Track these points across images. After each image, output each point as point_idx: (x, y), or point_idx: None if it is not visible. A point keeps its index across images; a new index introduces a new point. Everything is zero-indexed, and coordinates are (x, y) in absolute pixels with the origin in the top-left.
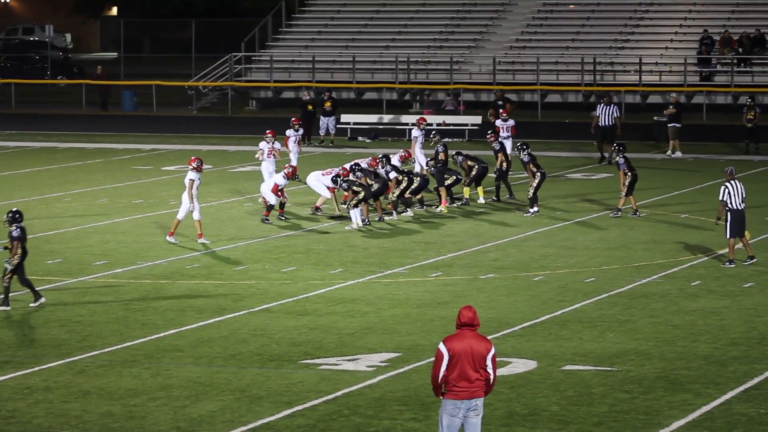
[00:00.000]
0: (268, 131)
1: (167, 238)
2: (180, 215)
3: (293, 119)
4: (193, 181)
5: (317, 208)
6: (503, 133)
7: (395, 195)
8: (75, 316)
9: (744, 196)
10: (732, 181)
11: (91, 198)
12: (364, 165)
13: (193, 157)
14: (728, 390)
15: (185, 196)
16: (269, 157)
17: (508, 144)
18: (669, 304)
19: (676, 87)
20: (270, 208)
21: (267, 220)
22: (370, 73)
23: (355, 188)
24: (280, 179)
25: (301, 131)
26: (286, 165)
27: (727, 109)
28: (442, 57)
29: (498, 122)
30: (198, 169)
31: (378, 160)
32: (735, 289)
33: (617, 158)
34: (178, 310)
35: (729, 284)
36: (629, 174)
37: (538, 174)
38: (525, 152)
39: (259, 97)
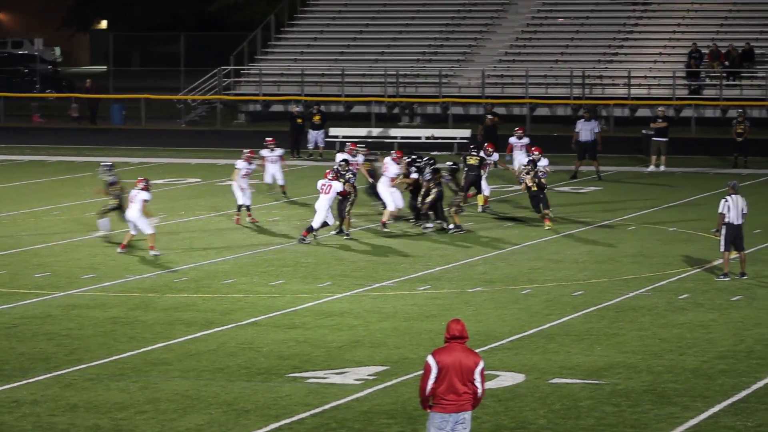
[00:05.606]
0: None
1: (151, 253)
2: (149, 230)
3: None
4: (146, 201)
5: (384, 224)
6: (516, 151)
7: (426, 205)
8: (63, 329)
9: (744, 211)
10: (733, 195)
11: (79, 211)
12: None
13: (140, 177)
14: (716, 403)
15: (136, 214)
16: (245, 177)
17: (523, 161)
18: (657, 318)
19: (665, 100)
20: (310, 230)
21: (304, 240)
22: (359, 86)
23: (453, 186)
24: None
25: (278, 150)
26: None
27: (716, 123)
28: (431, 70)
29: (512, 139)
30: (146, 189)
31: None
32: (723, 303)
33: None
34: (166, 324)
35: (717, 297)
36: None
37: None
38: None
39: (247, 111)
